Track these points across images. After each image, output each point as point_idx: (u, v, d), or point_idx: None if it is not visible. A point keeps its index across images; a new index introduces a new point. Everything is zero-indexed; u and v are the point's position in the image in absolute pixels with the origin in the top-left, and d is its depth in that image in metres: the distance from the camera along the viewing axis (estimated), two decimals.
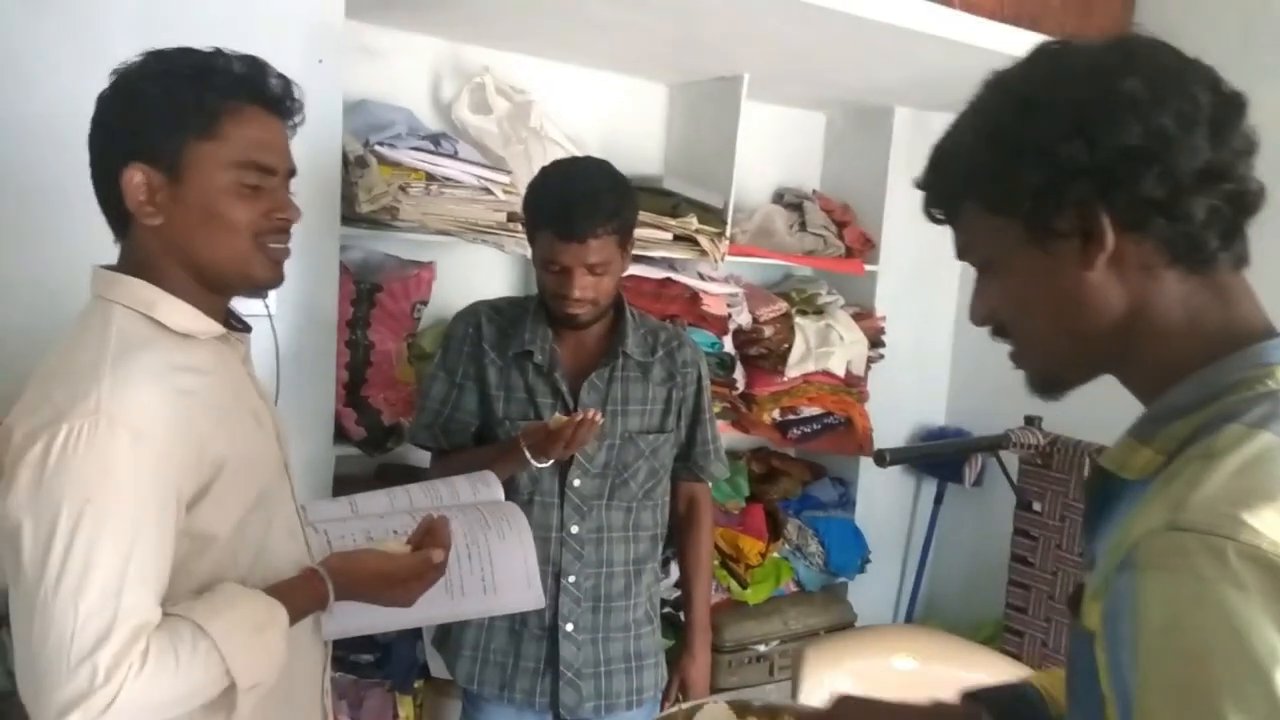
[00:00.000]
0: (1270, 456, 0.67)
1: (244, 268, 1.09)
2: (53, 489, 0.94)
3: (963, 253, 0.84)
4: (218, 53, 1.09)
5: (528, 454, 1.60)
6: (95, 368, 0.98)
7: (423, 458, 1.89)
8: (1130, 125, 0.71)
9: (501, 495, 1.56)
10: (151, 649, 0.95)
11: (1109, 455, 0.78)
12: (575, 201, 1.59)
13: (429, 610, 1.26)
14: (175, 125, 1.03)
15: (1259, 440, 0.68)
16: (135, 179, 1.04)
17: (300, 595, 1.11)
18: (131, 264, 1.08)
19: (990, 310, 0.84)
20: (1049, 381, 0.83)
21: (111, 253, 1.12)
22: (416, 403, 1.85)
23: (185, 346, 1.06)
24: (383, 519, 1.41)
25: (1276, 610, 0.60)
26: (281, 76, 1.11)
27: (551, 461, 1.65)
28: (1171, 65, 0.74)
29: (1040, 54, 0.78)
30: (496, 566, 1.37)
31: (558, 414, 1.63)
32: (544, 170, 1.71)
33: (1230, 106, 0.74)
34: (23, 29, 1.62)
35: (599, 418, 1.58)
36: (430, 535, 1.24)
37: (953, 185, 0.81)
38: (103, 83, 1.11)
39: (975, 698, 1.03)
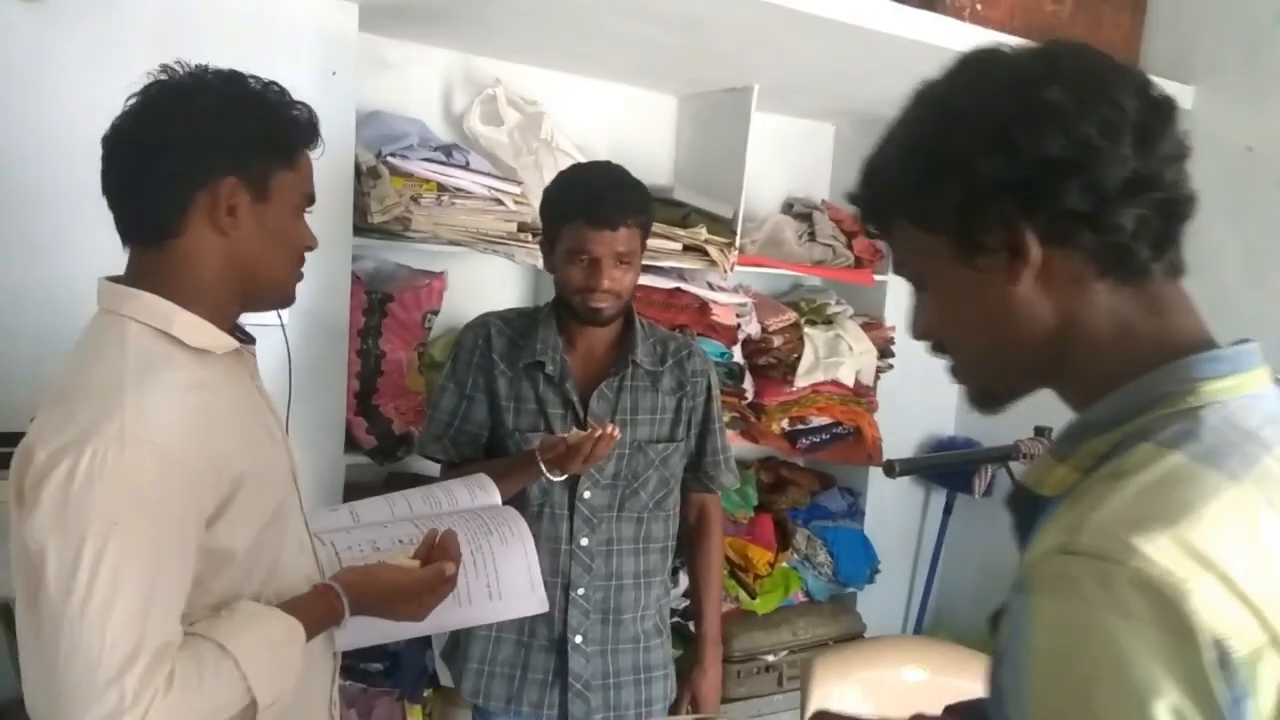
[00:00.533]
0: (1175, 478, 0.64)
1: (288, 285, 1.17)
2: (79, 512, 0.93)
3: (898, 268, 0.83)
4: (280, 88, 1.14)
5: (544, 469, 1.61)
6: (117, 387, 0.98)
7: (432, 467, 1.89)
8: (1052, 136, 0.69)
9: (499, 499, 1.57)
10: (176, 670, 0.96)
11: (1028, 471, 0.77)
12: (607, 191, 1.63)
13: (438, 619, 1.27)
14: (271, 151, 1.10)
15: (1167, 461, 0.65)
16: (227, 193, 1.07)
17: (316, 611, 1.12)
18: (151, 275, 1.08)
19: (927, 326, 0.82)
20: (986, 396, 0.82)
21: (118, 267, 1.12)
22: (426, 414, 1.86)
23: (201, 362, 1.07)
24: (386, 528, 1.41)
25: (1161, 639, 0.58)
26: (308, 108, 1.18)
27: (565, 477, 1.66)
28: (1096, 72, 0.72)
29: (965, 63, 0.76)
30: (501, 573, 1.37)
31: (574, 429, 1.63)
32: (565, 171, 1.75)
33: (1158, 112, 0.71)
34: (43, 43, 1.64)
35: (616, 433, 1.59)
36: (440, 549, 1.25)
37: (882, 201, 0.80)
38: (122, 96, 1.12)
39: (957, 712, 1.02)
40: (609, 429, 1.57)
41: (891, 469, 2.07)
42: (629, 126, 2.60)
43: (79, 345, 1.08)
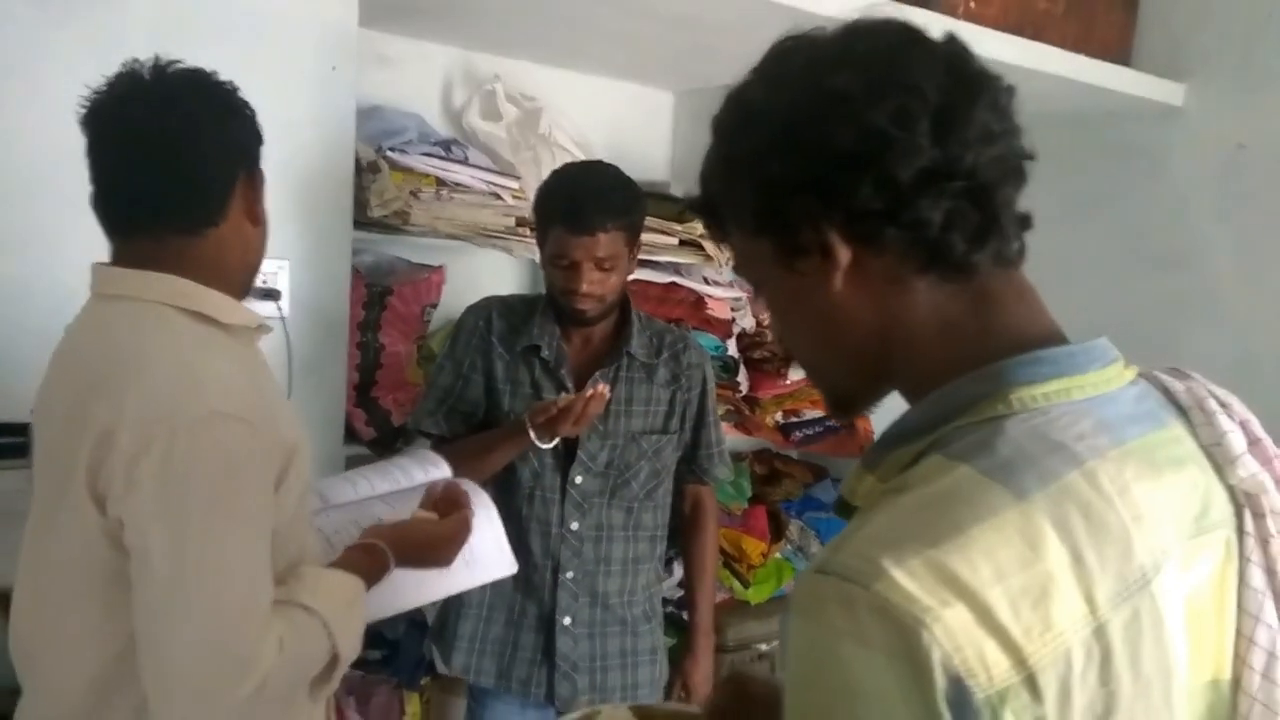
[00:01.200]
0: (954, 494, 0.59)
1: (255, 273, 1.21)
2: (182, 490, 0.95)
3: (736, 271, 0.79)
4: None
5: (533, 434, 1.63)
6: (186, 365, 1.01)
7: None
8: (840, 129, 0.63)
9: (448, 472, 1.60)
10: (283, 633, 1.00)
11: (845, 480, 0.72)
12: (586, 196, 1.64)
13: (424, 590, 1.36)
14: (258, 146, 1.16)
15: (952, 475, 0.60)
16: (260, 182, 1.14)
17: (366, 567, 1.17)
18: (180, 263, 1.08)
19: (776, 332, 0.81)
20: (836, 403, 0.77)
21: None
22: (421, 391, 1.89)
23: (237, 339, 1.11)
24: (360, 506, 1.46)
25: (897, 672, 0.53)
26: None
27: (555, 443, 1.67)
28: (892, 53, 0.66)
29: (767, 56, 0.71)
30: (473, 541, 1.42)
31: (563, 394, 1.66)
32: (555, 171, 1.76)
33: (964, 91, 0.65)
34: (39, 34, 1.65)
35: (606, 391, 1.61)
36: (450, 500, 1.36)
37: (706, 206, 0.75)
38: None
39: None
40: (600, 388, 1.60)
41: None
42: (626, 122, 2.62)
43: (91, 333, 1.08)
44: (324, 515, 1.41)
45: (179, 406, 0.97)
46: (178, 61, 1.12)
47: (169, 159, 1.07)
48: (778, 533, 2.74)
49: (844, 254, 0.66)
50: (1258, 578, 0.65)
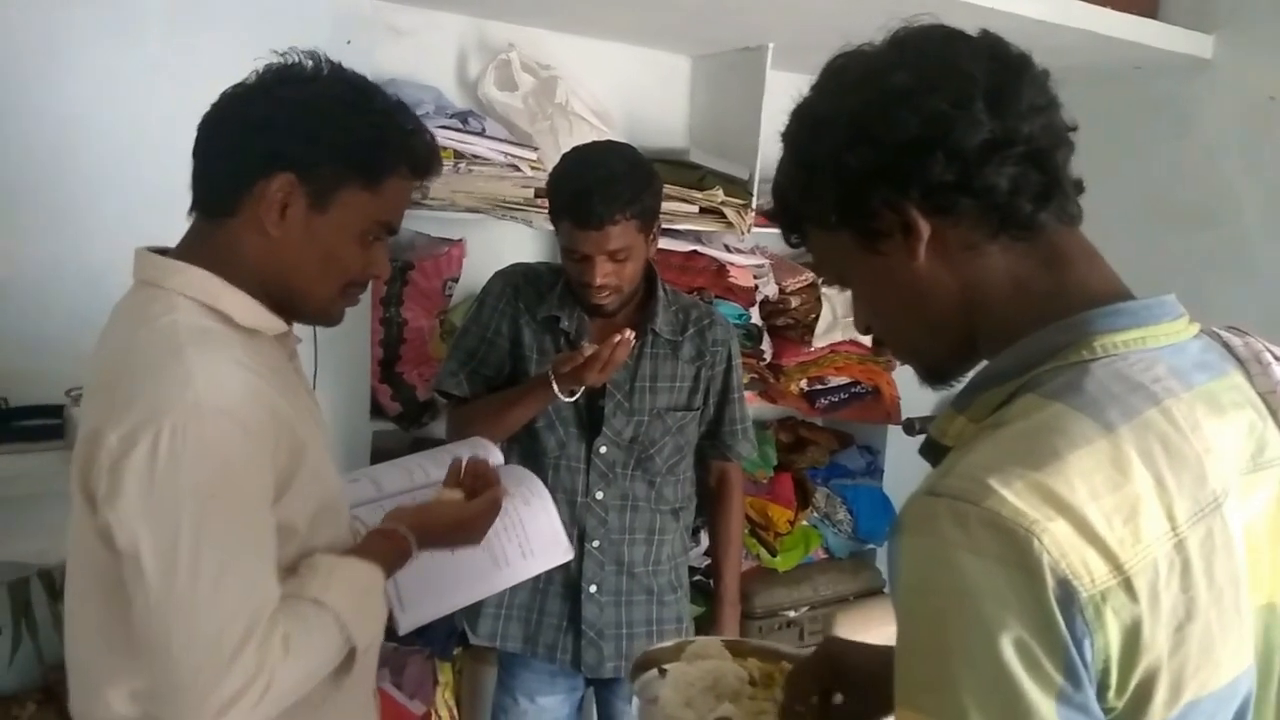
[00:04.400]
0: (1050, 426, 0.66)
1: (325, 308, 1.12)
2: (168, 490, 0.91)
3: (818, 271, 0.86)
4: (400, 107, 1.10)
5: (555, 387, 1.62)
6: (178, 359, 0.95)
7: None
8: (906, 118, 0.72)
9: (501, 459, 1.60)
10: (288, 631, 0.96)
11: (935, 422, 0.79)
12: (591, 189, 1.58)
13: (481, 585, 1.34)
14: (346, 166, 1.04)
15: (1046, 411, 0.67)
16: (281, 189, 1.02)
17: (386, 552, 1.13)
18: (203, 249, 1.06)
19: (861, 319, 0.87)
20: (930, 373, 0.85)
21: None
22: (446, 353, 1.89)
23: (248, 339, 1.04)
24: (413, 495, 1.44)
25: (1009, 576, 0.61)
26: (434, 144, 1.13)
27: (577, 396, 1.67)
28: (940, 49, 0.75)
29: (825, 72, 0.81)
30: (529, 531, 1.42)
31: (586, 344, 1.64)
32: (563, 157, 1.71)
33: (1009, 71, 0.74)
34: (60, 17, 1.66)
35: (632, 337, 1.60)
36: (479, 477, 1.30)
37: (788, 215, 0.85)
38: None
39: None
40: (626, 334, 1.58)
41: (911, 427, 2.09)
42: (643, 89, 2.59)
43: (120, 319, 1.06)
44: (378, 507, 1.40)
45: (166, 403, 0.92)
46: (339, 63, 1.08)
47: (206, 134, 1.06)
48: (804, 500, 2.74)
49: (924, 227, 0.74)
50: None
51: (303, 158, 1.02)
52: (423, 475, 1.52)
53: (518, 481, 1.52)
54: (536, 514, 1.45)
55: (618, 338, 1.57)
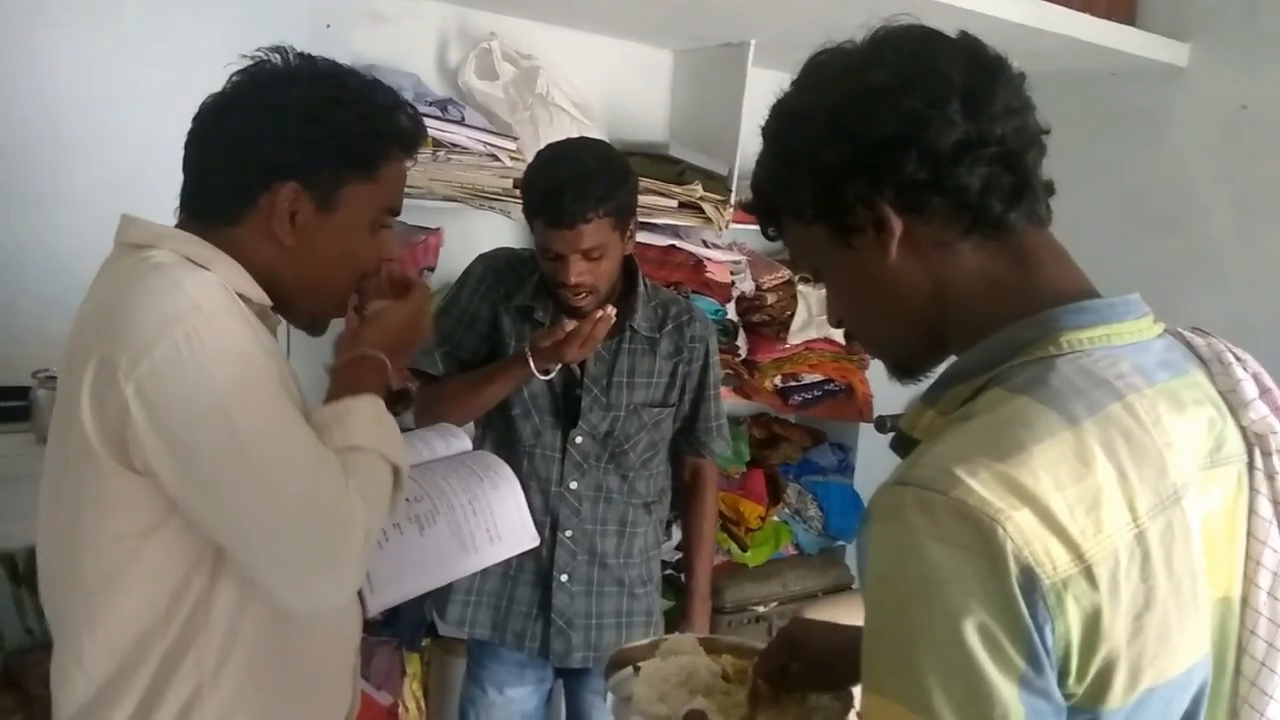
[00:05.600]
0: (1016, 419, 0.68)
1: (327, 309, 1.12)
2: (203, 388, 0.90)
3: (794, 263, 0.88)
4: (375, 85, 1.08)
5: (533, 363, 1.62)
6: (173, 283, 0.94)
7: None
8: (882, 115, 0.74)
9: (469, 445, 1.60)
10: (357, 482, 0.97)
11: (905, 416, 0.81)
12: (563, 187, 1.57)
13: (450, 569, 1.33)
14: (344, 163, 1.04)
15: (1013, 404, 0.69)
16: (287, 199, 1.02)
17: (370, 379, 1.09)
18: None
19: (833, 312, 0.88)
20: (899, 367, 0.86)
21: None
22: None
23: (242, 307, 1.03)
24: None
25: (973, 563, 0.62)
26: (416, 115, 1.12)
27: (552, 374, 1.67)
28: (919, 49, 0.76)
29: (806, 67, 0.82)
30: (497, 516, 1.42)
31: (567, 321, 1.63)
32: (537, 155, 1.71)
33: (986, 73, 0.75)
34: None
35: (613, 313, 1.60)
36: (401, 281, 1.21)
37: (764, 206, 0.86)
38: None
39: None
40: (608, 310, 1.59)
41: (883, 424, 2.10)
42: (624, 81, 2.59)
43: (106, 275, 1.03)
44: None
45: (172, 316, 0.91)
46: (311, 55, 1.07)
47: (196, 149, 1.05)
48: (775, 496, 2.75)
49: (897, 224, 0.76)
50: (1265, 508, 0.75)
51: (302, 165, 1.02)
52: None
53: (487, 467, 1.52)
54: (505, 499, 1.45)
55: (599, 313, 1.58)
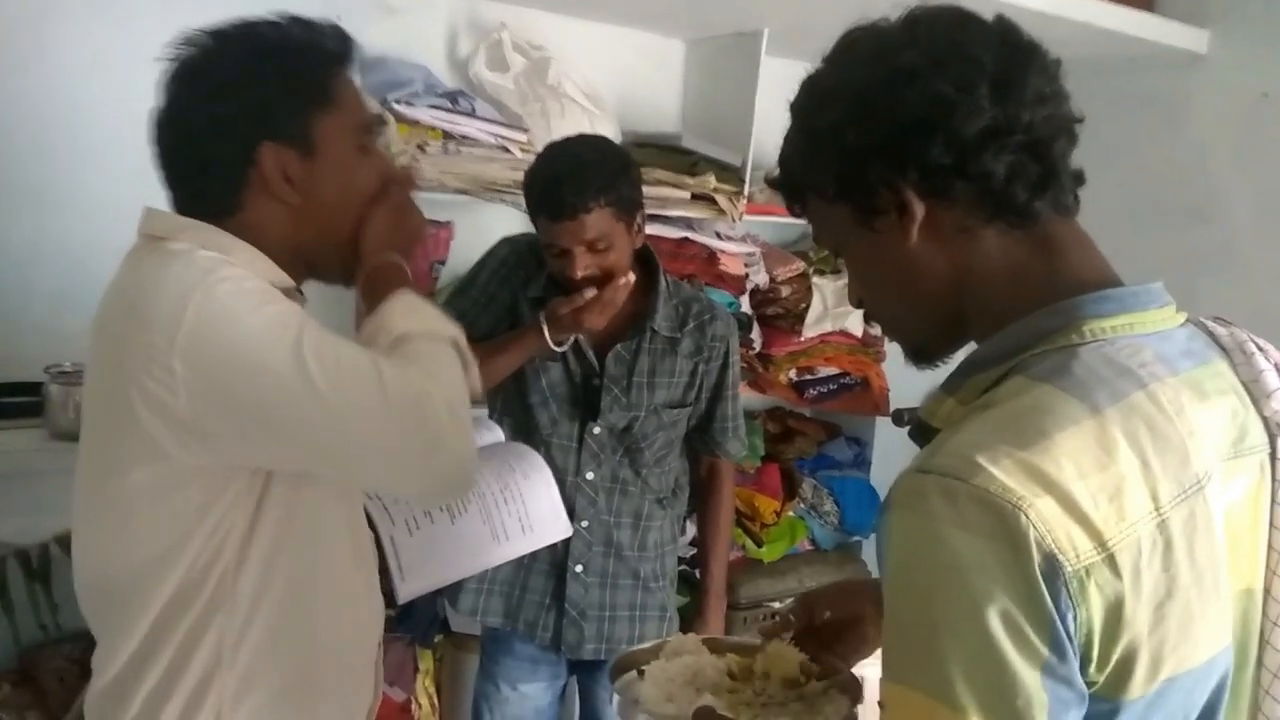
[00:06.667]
0: (1038, 407, 0.67)
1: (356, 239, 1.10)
2: (241, 334, 0.92)
3: (816, 240, 0.87)
4: (287, 17, 1.07)
5: (547, 334, 1.61)
6: (191, 262, 0.96)
7: None
8: (910, 98, 0.73)
9: (502, 436, 1.59)
10: (419, 369, 0.99)
11: (924, 404, 0.80)
12: (560, 179, 1.57)
13: (481, 558, 1.35)
14: (302, 103, 1.04)
15: (1035, 392, 0.68)
16: (272, 162, 1.02)
17: (385, 281, 1.08)
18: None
19: (855, 294, 0.87)
20: (916, 351, 0.86)
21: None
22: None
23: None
24: None
25: (996, 550, 0.62)
26: (337, 25, 1.10)
27: (566, 347, 1.66)
28: (951, 32, 0.75)
29: (839, 45, 0.81)
30: (529, 506, 1.42)
31: (590, 289, 1.62)
32: (537, 155, 1.70)
33: (1017, 60, 0.74)
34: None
35: (632, 279, 1.59)
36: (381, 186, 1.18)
37: (789, 183, 0.85)
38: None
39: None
40: (629, 276, 1.58)
41: (900, 418, 2.08)
42: (636, 72, 2.57)
43: (128, 267, 1.04)
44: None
45: (188, 286, 0.93)
46: (219, 27, 1.05)
47: (167, 156, 1.04)
48: (791, 491, 2.73)
49: (919, 208, 0.75)
50: None
51: (266, 124, 1.02)
52: None
53: (520, 457, 1.52)
54: (537, 489, 1.45)
55: (622, 280, 1.57)
